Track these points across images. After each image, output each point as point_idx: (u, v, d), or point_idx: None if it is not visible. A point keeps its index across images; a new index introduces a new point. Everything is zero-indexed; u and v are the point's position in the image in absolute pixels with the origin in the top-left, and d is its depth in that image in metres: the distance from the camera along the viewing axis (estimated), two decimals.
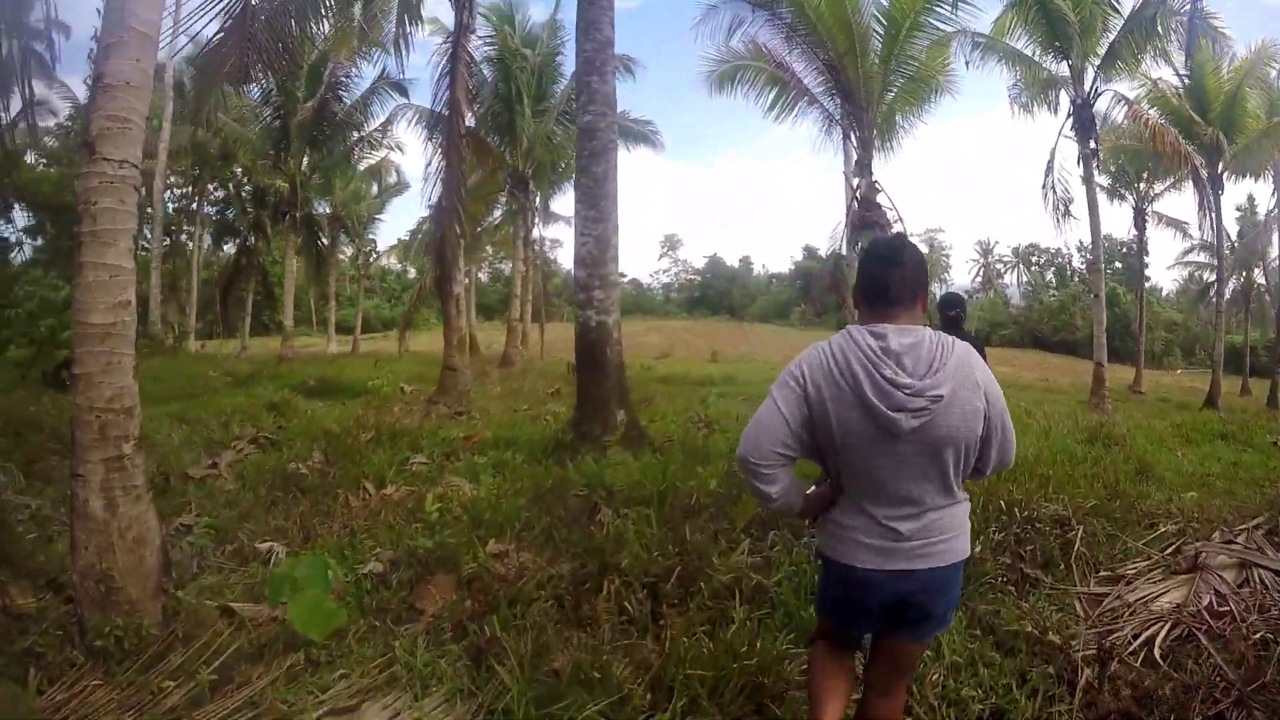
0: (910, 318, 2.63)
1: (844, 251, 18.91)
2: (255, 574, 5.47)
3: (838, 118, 18.02)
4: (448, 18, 17.14)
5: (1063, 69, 21.09)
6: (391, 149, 35.68)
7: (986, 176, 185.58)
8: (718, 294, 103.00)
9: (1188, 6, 18.83)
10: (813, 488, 2.88)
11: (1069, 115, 21.01)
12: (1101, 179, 24.02)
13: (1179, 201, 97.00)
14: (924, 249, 19.05)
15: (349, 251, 51.67)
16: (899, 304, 2.62)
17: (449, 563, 5.29)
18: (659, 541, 5.38)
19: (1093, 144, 20.72)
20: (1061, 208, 21.72)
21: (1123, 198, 34.96)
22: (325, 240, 39.46)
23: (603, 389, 9.25)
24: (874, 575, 2.66)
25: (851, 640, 3.14)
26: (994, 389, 2.66)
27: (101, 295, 4.36)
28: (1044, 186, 21.90)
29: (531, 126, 26.25)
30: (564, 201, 38.19)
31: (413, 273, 64.36)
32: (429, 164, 17.37)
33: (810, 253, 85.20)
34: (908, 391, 2.47)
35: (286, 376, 19.05)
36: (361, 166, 37.93)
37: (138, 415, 4.61)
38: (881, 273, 2.64)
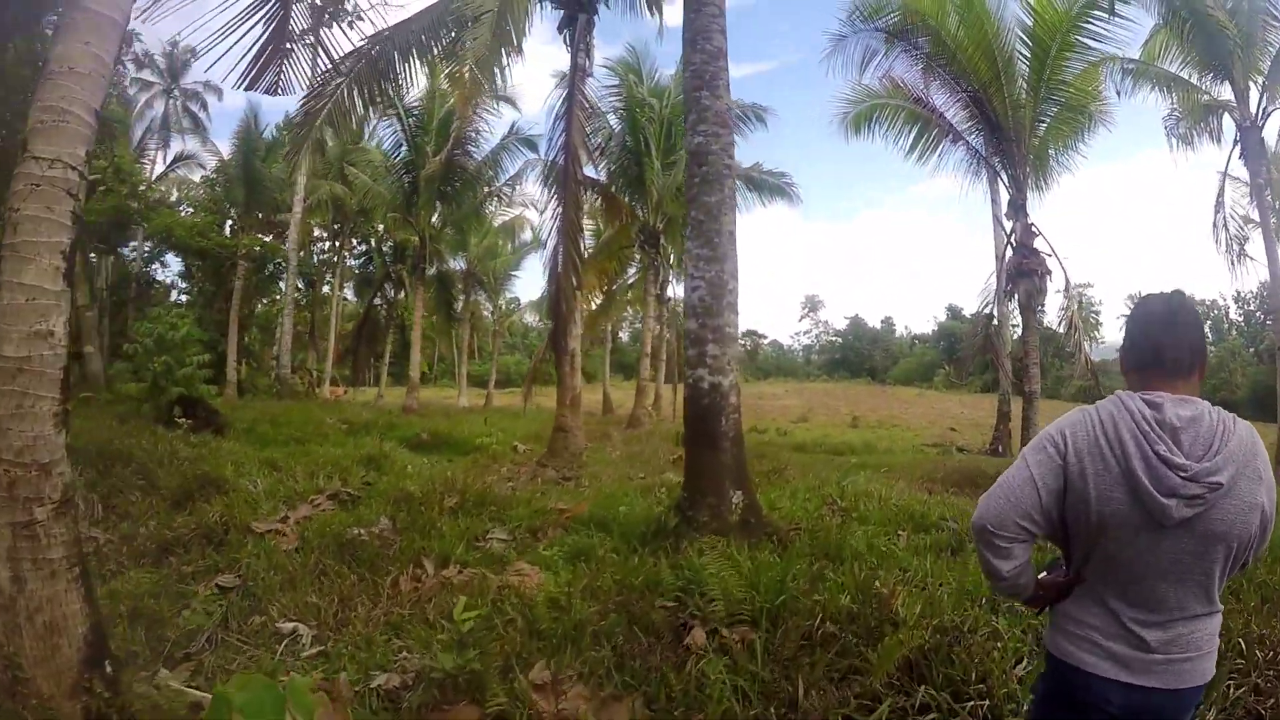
0: (1188, 388, 2.26)
1: (996, 305, 17.14)
2: (265, 660, 4.64)
3: (984, 154, 16.36)
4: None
5: (1224, 91, 18.73)
6: (525, 205, 35.81)
7: (1134, 226, 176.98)
8: (859, 356, 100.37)
9: None
10: (1043, 574, 2.51)
11: (1236, 142, 18.46)
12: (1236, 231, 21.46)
13: None
14: (1074, 305, 17.09)
15: (489, 307, 51.46)
16: (1177, 372, 2.27)
17: (477, 689, 4.12)
18: (761, 690, 4.04)
19: (1266, 172, 18.19)
20: (1236, 246, 19.28)
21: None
22: (460, 294, 40.01)
23: (716, 465, 7.61)
24: (1105, 684, 2.27)
25: None
26: (1273, 480, 2.22)
27: (15, 322, 3.58)
28: (1214, 224, 19.53)
29: (661, 179, 25.42)
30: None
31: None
32: (543, 211, 16.37)
33: (954, 312, 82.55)
34: (1183, 475, 2.10)
35: (403, 428, 18.62)
36: (496, 223, 38.38)
37: (61, 475, 3.73)
38: (1156, 335, 2.31)
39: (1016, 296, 15.77)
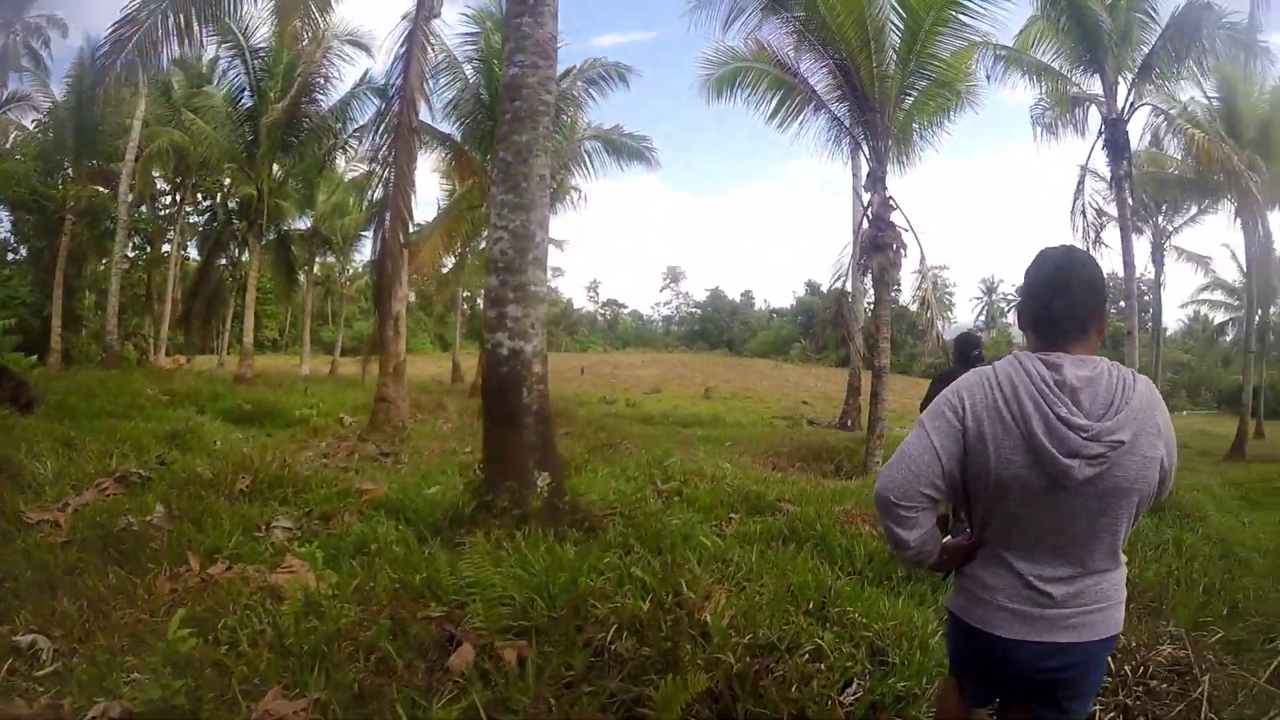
0: (1085, 347, 2.22)
1: (849, 279, 16.78)
2: None
3: (847, 125, 15.82)
4: None
5: (1093, 85, 19.01)
6: (379, 161, 33.20)
7: (992, 217, 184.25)
8: (718, 328, 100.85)
9: (1230, 17, 17.04)
10: (948, 537, 2.47)
11: (1100, 134, 18.61)
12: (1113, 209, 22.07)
13: (1197, 236, 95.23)
14: (928, 282, 16.80)
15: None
16: (1071, 331, 2.22)
17: None
18: None
19: (1126, 164, 18.41)
20: (1093, 234, 19.54)
21: (1139, 231, 32.27)
22: (305, 255, 38.53)
23: (517, 444, 6.58)
24: (1015, 645, 2.25)
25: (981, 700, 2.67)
26: (1171, 434, 2.22)
27: None
28: (1072, 212, 19.92)
29: None
30: (556, 223, 36.30)
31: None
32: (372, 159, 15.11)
33: (812, 288, 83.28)
34: (1085, 435, 2.07)
35: (227, 398, 17.18)
36: (347, 179, 36.72)
37: None
38: (1051, 293, 2.23)
39: (870, 270, 15.30)
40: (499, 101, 22.70)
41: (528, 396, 6.67)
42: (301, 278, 40.02)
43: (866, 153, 15.63)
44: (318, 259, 41.02)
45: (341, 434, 13.57)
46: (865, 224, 15.20)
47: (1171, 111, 19.41)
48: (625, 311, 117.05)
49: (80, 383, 16.69)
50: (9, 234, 34.07)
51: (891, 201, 14.98)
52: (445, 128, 24.03)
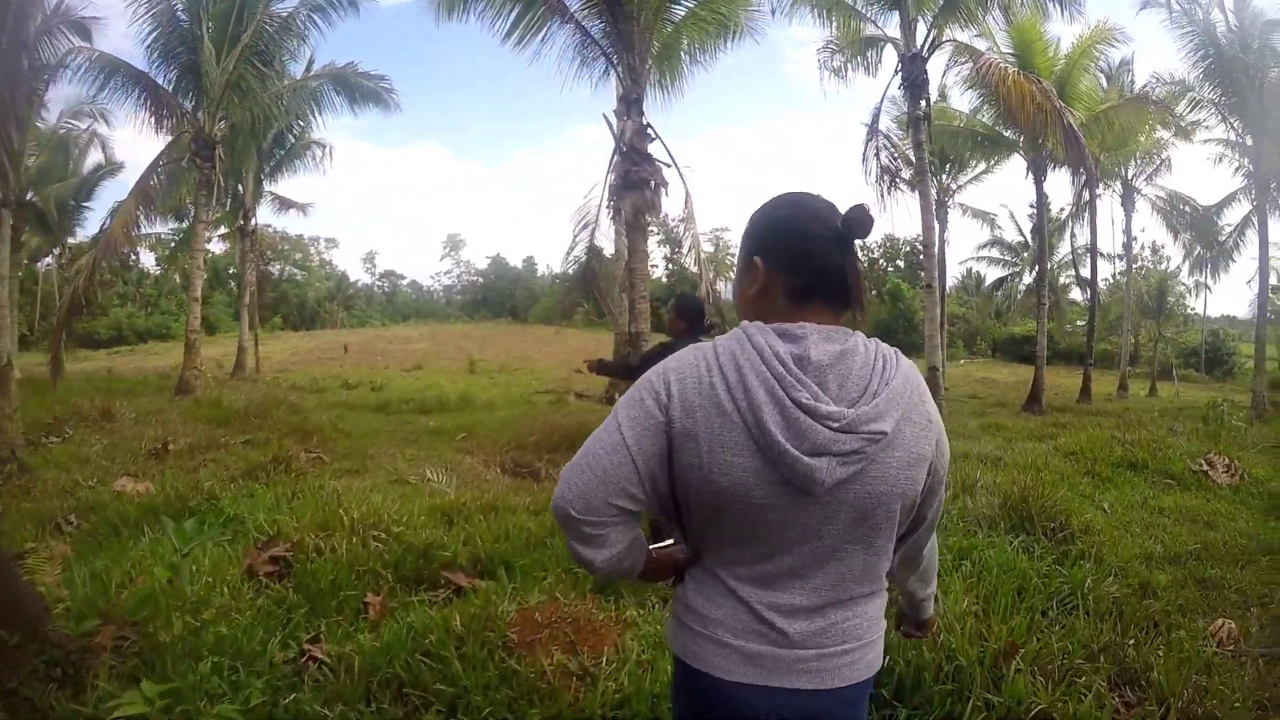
0: (835, 317, 1.70)
1: (594, 227, 14.00)
2: None
3: (598, 38, 12.92)
4: None
5: (888, 24, 18.05)
6: (95, 118, 29.37)
7: (776, 180, 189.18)
8: (501, 296, 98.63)
9: None
10: (655, 545, 1.90)
11: (896, 72, 17.51)
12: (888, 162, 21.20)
13: (973, 195, 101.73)
14: (709, 249, 14.32)
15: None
16: (827, 298, 1.69)
17: None
18: None
19: (925, 104, 17.21)
20: (887, 179, 17.84)
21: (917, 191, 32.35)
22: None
23: None
24: (743, 691, 1.70)
25: None
26: (943, 431, 1.77)
27: None
28: (865, 157, 18.27)
29: (219, 70, 19.94)
30: (292, 183, 32.45)
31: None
32: None
33: (596, 251, 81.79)
34: (834, 425, 1.55)
35: None
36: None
37: None
38: (805, 245, 1.68)
39: (622, 213, 12.57)
40: (199, 25, 19.58)
41: None
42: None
43: (620, 73, 12.82)
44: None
45: None
46: (617, 158, 12.38)
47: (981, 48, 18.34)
48: (404, 283, 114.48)
49: None
50: None
51: (649, 130, 12.33)
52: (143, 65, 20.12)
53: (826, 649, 1.69)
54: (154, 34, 19.79)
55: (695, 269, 14.41)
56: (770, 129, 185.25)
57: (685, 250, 14.87)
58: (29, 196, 31.10)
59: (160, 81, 20.26)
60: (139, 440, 11.31)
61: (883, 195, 18.09)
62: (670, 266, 71.30)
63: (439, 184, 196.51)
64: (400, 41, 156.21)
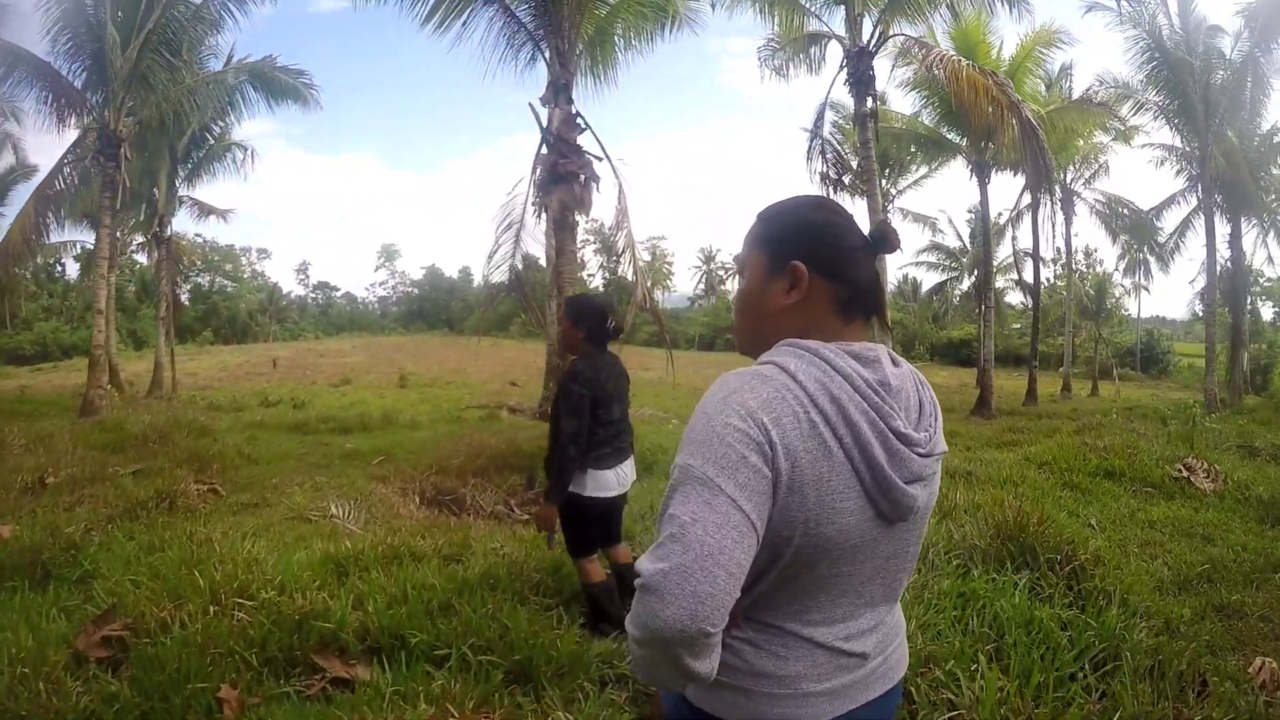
0: (866, 332, 1.62)
1: (520, 226, 12.92)
2: None
3: (525, 21, 11.90)
4: None
5: (835, 19, 17.50)
6: (4, 116, 26.30)
7: (709, 187, 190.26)
8: (437, 307, 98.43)
9: None
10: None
11: (842, 67, 16.92)
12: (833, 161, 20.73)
13: (917, 198, 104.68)
14: (646, 258, 13.32)
15: None
16: (864, 309, 1.59)
17: None
18: None
19: (872, 101, 16.60)
20: (834, 174, 17.14)
21: (859, 194, 32.02)
22: None
23: None
24: None
25: None
26: None
27: None
28: (809, 156, 17.91)
29: (125, 61, 18.43)
30: (214, 189, 31.11)
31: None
32: None
33: (533, 262, 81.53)
34: (920, 451, 1.52)
35: None
36: None
37: None
38: (853, 254, 1.59)
39: (547, 210, 11.50)
40: (107, 10, 18.23)
41: None
42: None
43: (547, 58, 11.79)
44: None
45: None
46: (544, 150, 11.34)
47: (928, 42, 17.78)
48: (338, 295, 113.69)
49: None
50: None
51: (579, 120, 11.32)
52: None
53: (887, 649, 1.66)
54: (58, 22, 18.28)
55: (631, 275, 13.39)
56: (705, 136, 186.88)
57: (620, 250, 13.57)
58: None
59: (65, 74, 18.71)
60: (19, 472, 10.19)
61: (831, 194, 17.51)
62: (605, 275, 70.77)
63: (373, 193, 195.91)
64: (331, 48, 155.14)
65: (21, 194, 23.69)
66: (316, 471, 11.04)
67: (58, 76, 18.56)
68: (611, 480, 4.64)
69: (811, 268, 1.53)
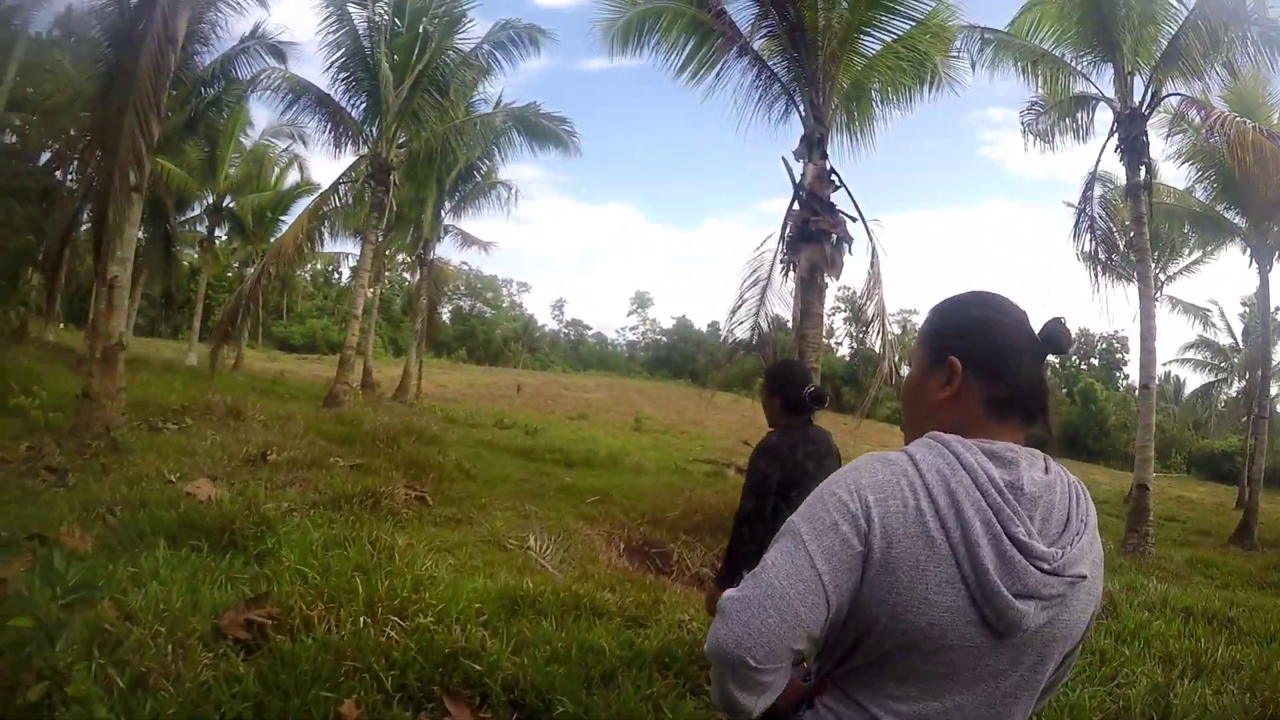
0: (1024, 433, 1.57)
1: (767, 285, 12.51)
2: None
3: (778, 72, 11.68)
4: None
5: (1101, 77, 15.98)
6: (294, 138, 30.91)
7: (969, 265, 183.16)
8: (683, 357, 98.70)
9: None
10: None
11: (1112, 132, 15.43)
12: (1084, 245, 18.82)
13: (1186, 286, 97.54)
14: (896, 331, 12.64)
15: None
16: (1021, 410, 1.56)
17: None
18: None
19: (1145, 171, 15.10)
20: (1101, 254, 15.84)
21: (1128, 278, 28.75)
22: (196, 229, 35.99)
23: None
24: None
25: None
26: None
27: None
28: (1075, 232, 16.53)
29: (396, 95, 20.23)
30: (476, 221, 32.71)
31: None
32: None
33: (779, 323, 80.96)
34: (1044, 568, 1.41)
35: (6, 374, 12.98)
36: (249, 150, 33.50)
37: None
38: (1016, 353, 1.57)
39: (795, 267, 11.00)
40: (383, 51, 19.74)
41: None
42: (195, 254, 38.04)
43: (801, 111, 11.44)
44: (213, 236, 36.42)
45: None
46: (795, 205, 10.92)
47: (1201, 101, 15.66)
48: (590, 333, 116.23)
49: None
50: None
51: (833, 176, 10.80)
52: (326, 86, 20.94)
53: None
54: (339, 59, 20.38)
55: (879, 347, 12.71)
56: (961, 209, 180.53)
57: (869, 319, 13.02)
58: (226, 202, 33.61)
59: (345, 106, 20.86)
60: (247, 444, 10.98)
61: (1096, 277, 16.18)
62: (853, 344, 69.15)
63: (631, 243, 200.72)
64: (602, 105, 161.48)
65: (303, 206, 26.09)
66: (529, 499, 11.08)
67: (338, 107, 20.71)
68: None
69: (967, 365, 1.53)
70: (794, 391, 4.16)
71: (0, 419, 10.73)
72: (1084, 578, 1.45)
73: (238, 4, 21.69)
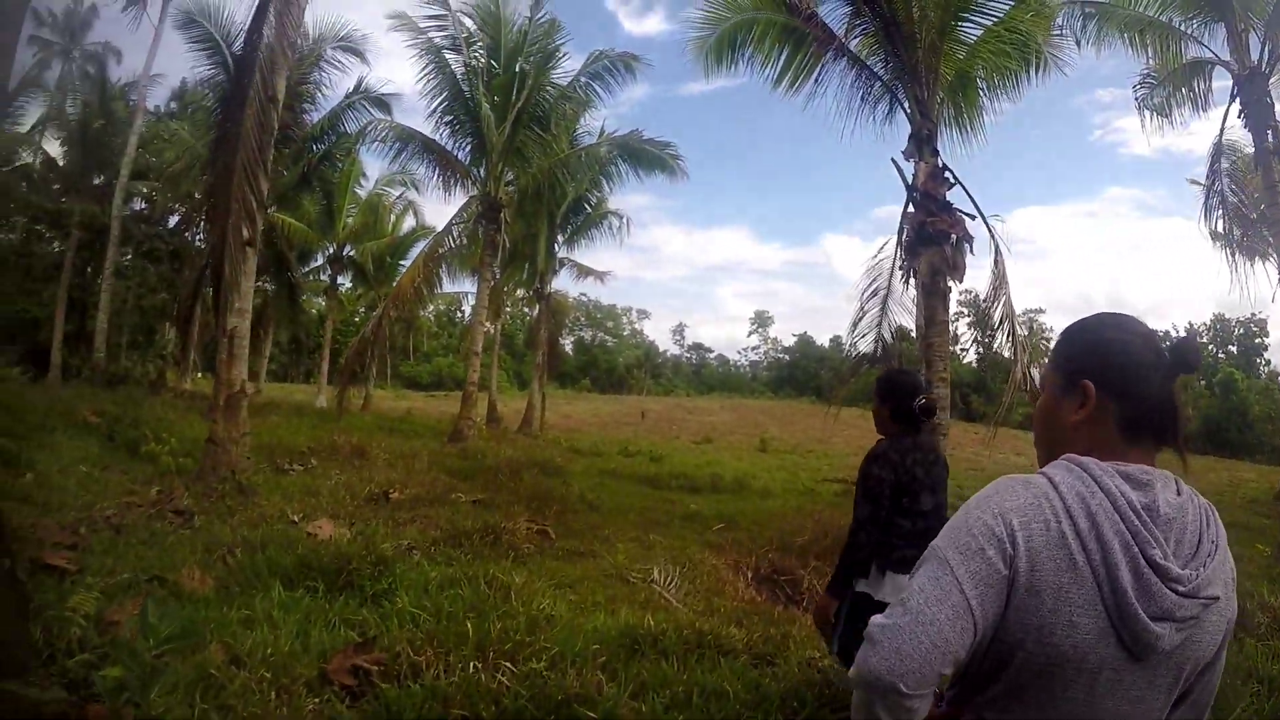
0: (1155, 454, 1.58)
1: (887, 292, 12.05)
2: None
3: (879, 72, 11.22)
4: None
5: (1213, 38, 15.00)
6: (406, 185, 32.54)
7: (1083, 257, 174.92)
8: (806, 374, 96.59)
9: None
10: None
11: (1233, 97, 14.45)
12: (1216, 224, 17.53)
13: None
14: (1024, 332, 11.92)
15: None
16: (1154, 430, 1.56)
17: None
18: None
19: (1271, 136, 13.90)
20: (1236, 230, 14.92)
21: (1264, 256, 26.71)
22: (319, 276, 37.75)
23: None
24: None
25: None
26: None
27: None
28: (1204, 210, 15.75)
29: (499, 134, 20.51)
30: (590, 253, 33.22)
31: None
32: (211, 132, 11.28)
33: (903, 333, 79.22)
34: (1180, 590, 1.43)
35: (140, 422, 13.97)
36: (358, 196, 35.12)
37: None
38: (1137, 370, 1.57)
39: (914, 273, 10.46)
40: (481, 93, 20.08)
41: None
42: (321, 302, 39.74)
43: (906, 109, 10.95)
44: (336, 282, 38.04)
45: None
46: (910, 208, 10.42)
47: None
48: (711, 356, 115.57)
49: (15, 397, 15.59)
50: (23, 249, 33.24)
51: (947, 173, 10.24)
52: (428, 130, 21.65)
53: None
54: (441, 105, 20.90)
55: (1009, 351, 12.08)
56: (1077, 201, 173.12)
57: (996, 322, 12.37)
58: (347, 251, 35.09)
59: (452, 149, 21.42)
60: (370, 483, 11.18)
61: (1230, 257, 15.16)
62: (979, 350, 67.10)
63: (745, 264, 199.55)
64: (706, 127, 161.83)
65: (419, 249, 26.97)
66: (653, 529, 10.84)
67: (444, 151, 21.33)
68: None
69: (1099, 386, 1.53)
70: (904, 401, 4.13)
71: (134, 464, 11.23)
72: (1217, 599, 1.46)
73: (340, 62, 23.45)
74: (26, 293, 30.41)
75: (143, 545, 6.97)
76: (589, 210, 30.71)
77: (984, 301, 13.17)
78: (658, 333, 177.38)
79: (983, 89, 12.57)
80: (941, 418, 9.88)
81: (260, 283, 33.03)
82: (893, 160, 10.88)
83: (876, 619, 1.44)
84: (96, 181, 28.82)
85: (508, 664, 4.17)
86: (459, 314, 75.49)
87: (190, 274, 28.27)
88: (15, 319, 29.64)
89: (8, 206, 28.90)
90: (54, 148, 31.85)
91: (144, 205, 32.25)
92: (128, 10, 21.64)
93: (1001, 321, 12.00)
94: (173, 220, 31.71)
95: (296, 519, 8.53)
